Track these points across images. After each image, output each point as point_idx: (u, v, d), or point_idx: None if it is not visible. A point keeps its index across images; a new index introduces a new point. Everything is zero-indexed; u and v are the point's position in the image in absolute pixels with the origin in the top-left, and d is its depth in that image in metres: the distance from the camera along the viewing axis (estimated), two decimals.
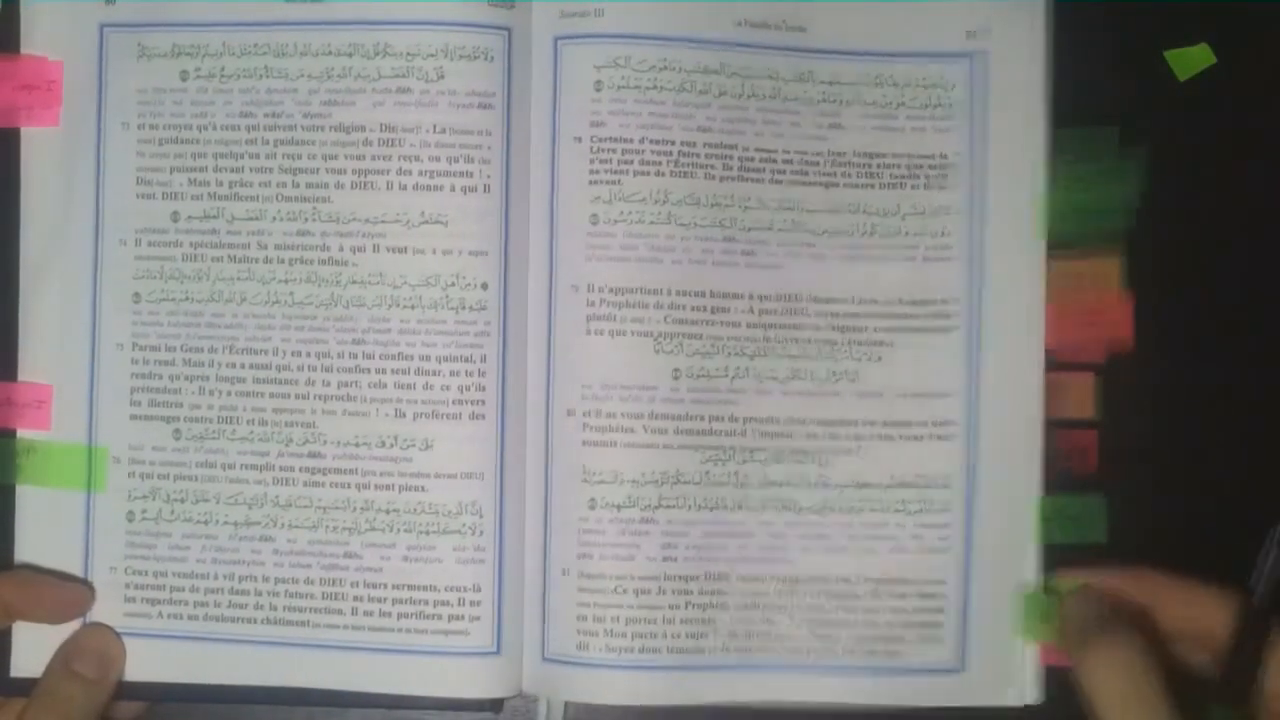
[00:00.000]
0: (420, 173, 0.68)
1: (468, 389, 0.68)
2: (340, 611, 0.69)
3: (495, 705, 0.69)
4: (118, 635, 0.69)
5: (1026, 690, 0.71)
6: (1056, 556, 0.72)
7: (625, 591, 0.69)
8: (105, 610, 0.70)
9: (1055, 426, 0.73)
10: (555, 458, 0.70)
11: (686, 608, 0.70)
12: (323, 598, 0.69)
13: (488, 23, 0.69)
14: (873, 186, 0.71)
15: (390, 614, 0.69)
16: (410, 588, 0.69)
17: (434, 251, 0.68)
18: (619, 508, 0.69)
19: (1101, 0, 0.74)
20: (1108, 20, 0.74)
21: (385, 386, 0.68)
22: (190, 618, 0.70)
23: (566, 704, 0.72)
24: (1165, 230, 0.74)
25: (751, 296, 0.70)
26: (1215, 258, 0.75)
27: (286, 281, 0.69)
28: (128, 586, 0.70)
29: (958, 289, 0.72)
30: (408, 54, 0.68)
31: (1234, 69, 0.75)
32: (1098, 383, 0.73)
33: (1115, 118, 0.73)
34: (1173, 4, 0.75)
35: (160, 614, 0.70)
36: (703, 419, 0.70)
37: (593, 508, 0.69)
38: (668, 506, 0.70)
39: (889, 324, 0.71)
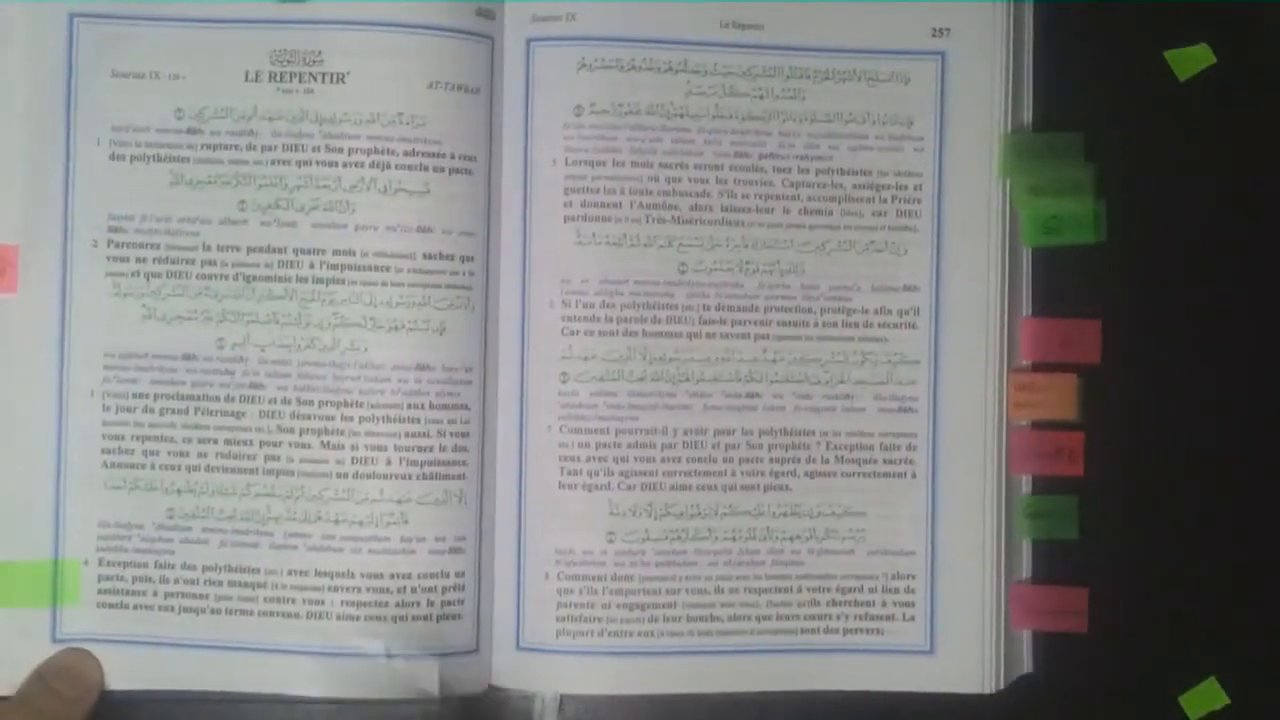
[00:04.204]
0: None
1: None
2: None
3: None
4: (96, 660, 0.72)
5: (999, 676, 0.74)
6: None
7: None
8: None
9: (1040, 428, 0.75)
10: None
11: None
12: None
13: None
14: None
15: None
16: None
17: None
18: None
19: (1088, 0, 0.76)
20: (1104, 21, 0.76)
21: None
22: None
23: (562, 698, 0.74)
24: (1163, 230, 0.76)
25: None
26: (1214, 258, 0.76)
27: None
28: None
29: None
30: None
31: (1234, 69, 0.76)
32: (1080, 384, 0.75)
33: (1100, 121, 0.75)
34: (1172, 4, 0.76)
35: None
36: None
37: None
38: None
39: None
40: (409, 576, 0.71)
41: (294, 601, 0.72)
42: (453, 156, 0.72)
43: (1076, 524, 0.74)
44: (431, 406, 0.71)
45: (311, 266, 0.71)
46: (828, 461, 0.74)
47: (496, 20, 0.73)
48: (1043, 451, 0.75)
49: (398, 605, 0.71)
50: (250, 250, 0.71)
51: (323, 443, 0.71)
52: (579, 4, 0.73)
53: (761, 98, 0.74)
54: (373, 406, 0.71)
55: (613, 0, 0.73)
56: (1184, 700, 0.75)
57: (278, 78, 0.71)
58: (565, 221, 0.73)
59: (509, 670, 0.73)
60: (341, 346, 0.71)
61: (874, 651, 0.74)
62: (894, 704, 0.74)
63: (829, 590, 0.74)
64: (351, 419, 0.71)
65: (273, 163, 0.71)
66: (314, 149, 0.71)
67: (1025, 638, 0.75)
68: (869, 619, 0.74)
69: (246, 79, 0.72)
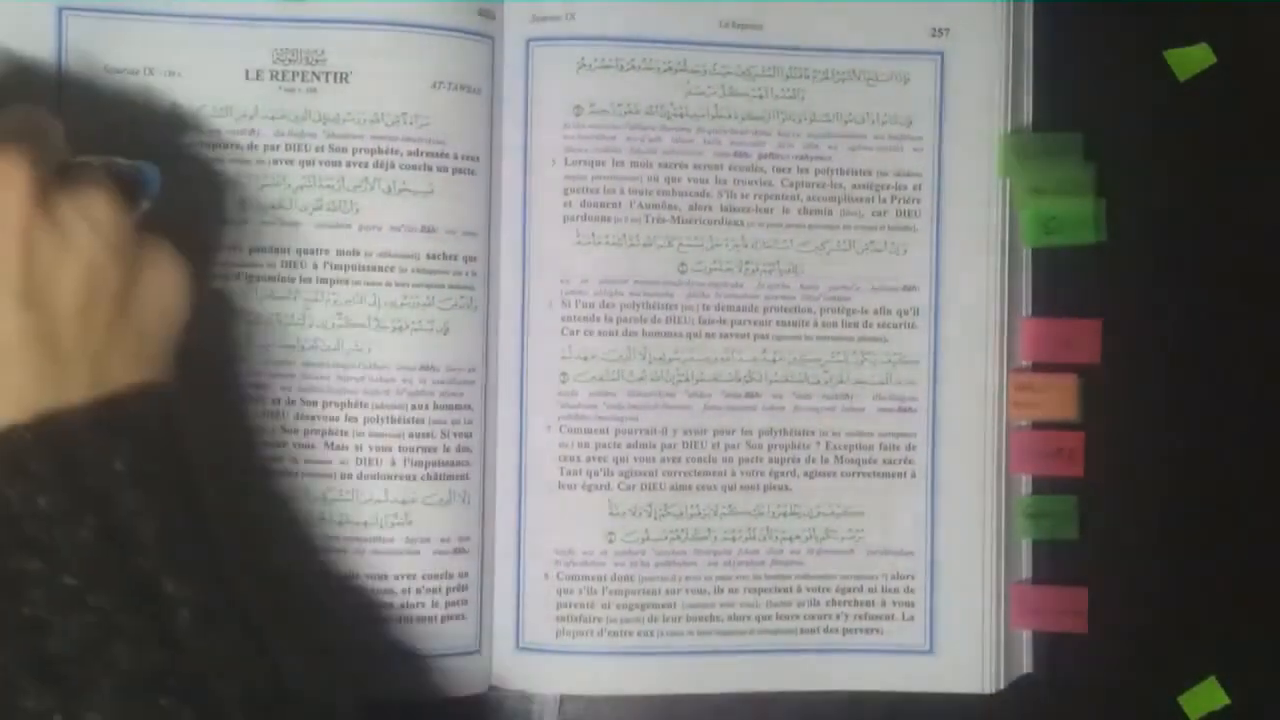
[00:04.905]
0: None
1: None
2: None
3: None
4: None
5: (999, 676, 0.75)
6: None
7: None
8: None
9: (1040, 428, 0.76)
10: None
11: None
12: None
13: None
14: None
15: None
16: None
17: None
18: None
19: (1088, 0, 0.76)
20: (1104, 21, 0.77)
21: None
22: None
23: (562, 698, 0.75)
24: (1163, 230, 0.76)
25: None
26: (1214, 258, 0.77)
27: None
28: None
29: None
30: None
31: (1234, 69, 0.77)
32: (1080, 384, 0.75)
33: (1100, 121, 0.76)
34: (1172, 4, 0.77)
35: None
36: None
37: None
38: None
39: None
40: (413, 577, 0.72)
41: None
42: (456, 156, 0.72)
43: (1076, 524, 0.75)
44: (435, 407, 0.72)
45: (315, 267, 0.71)
46: (827, 461, 0.75)
47: (497, 20, 0.73)
48: (1043, 451, 0.75)
49: (401, 606, 0.72)
50: (252, 250, 0.71)
51: (326, 444, 0.71)
52: (578, 4, 0.74)
53: (761, 97, 0.75)
54: (377, 407, 0.71)
55: (612, 0, 0.74)
56: (1184, 700, 0.76)
57: (280, 76, 0.71)
58: (565, 221, 0.74)
59: (509, 670, 0.74)
60: (345, 347, 0.71)
61: (874, 651, 0.75)
62: (894, 704, 0.75)
63: (829, 590, 0.75)
64: (355, 419, 0.71)
65: (275, 162, 0.71)
66: (317, 149, 0.71)
67: (1025, 638, 0.76)
68: (869, 619, 0.75)
69: (247, 77, 0.71)
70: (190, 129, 0.71)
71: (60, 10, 0.71)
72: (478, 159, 0.73)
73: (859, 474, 0.75)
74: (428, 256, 0.72)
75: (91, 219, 0.55)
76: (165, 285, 0.58)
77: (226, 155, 0.72)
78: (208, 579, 0.55)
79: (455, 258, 0.72)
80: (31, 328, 0.53)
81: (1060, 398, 0.75)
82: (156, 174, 0.61)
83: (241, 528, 0.61)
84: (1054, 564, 0.76)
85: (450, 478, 0.72)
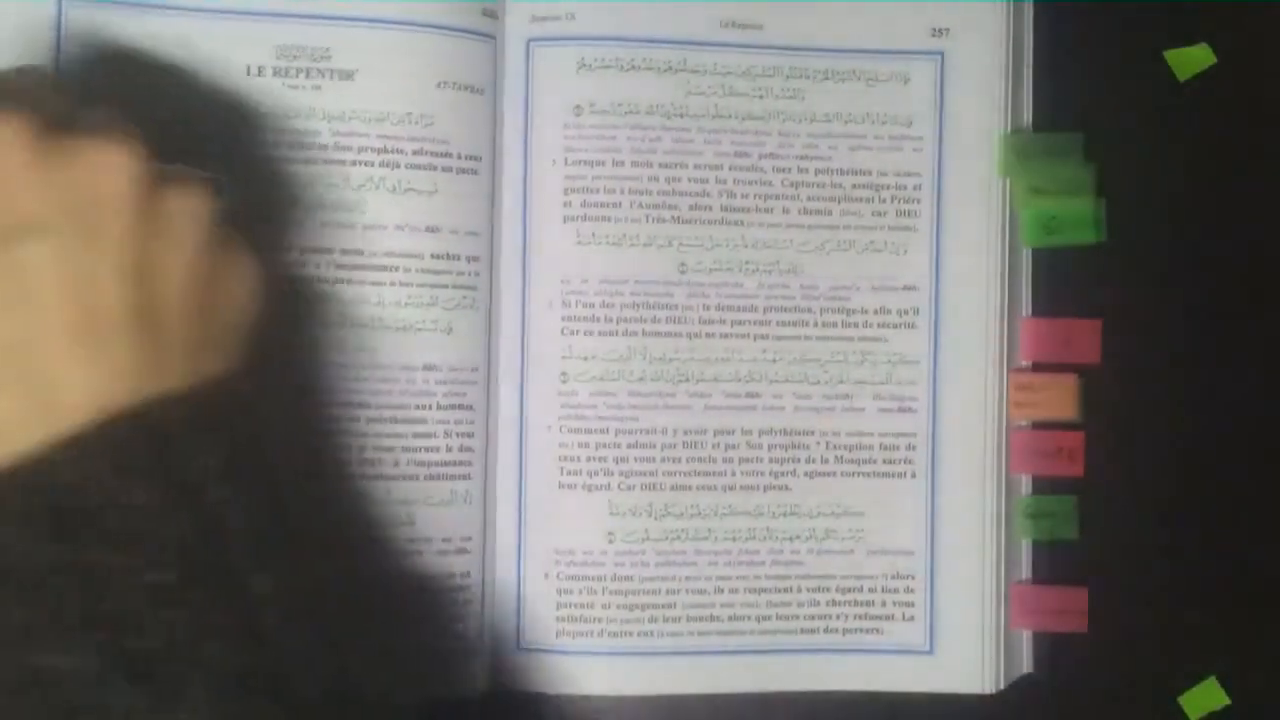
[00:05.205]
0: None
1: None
2: None
3: None
4: None
5: (999, 676, 0.75)
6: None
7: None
8: None
9: (1040, 428, 0.76)
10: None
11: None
12: None
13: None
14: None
15: None
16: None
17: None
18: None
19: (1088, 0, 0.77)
20: (1104, 21, 0.77)
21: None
22: None
23: (563, 698, 0.75)
24: (1163, 230, 0.77)
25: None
26: (1214, 258, 0.77)
27: None
28: None
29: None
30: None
31: (1234, 69, 0.77)
32: (1080, 384, 0.75)
33: (1100, 121, 0.76)
34: (1172, 4, 0.77)
35: None
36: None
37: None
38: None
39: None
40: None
41: None
42: (459, 156, 0.72)
43: (1076, 524, 0.75)
44: (438, 407, 0.72)
45: (318, 266, 0.71)
46: (827, 461, 0.75)
47: (499, 20, 0.74)
48: (1043, 451, 0.76)
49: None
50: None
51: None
52: (579, 4, 0.74)
53: (761, 98, 0.75)
54: (380, 407, 0.71)
55: (612, 0, 0.74)
56: (1184, 700, 0.76)
57: (283, 73, 0.71)
58: (565, 221, 0.74)
59: (509, 670, 0.74)
60: (348, 347, 0.71)
61: (874, 651, 0.75)
62: (894, 704, 0.75)
63: (829, 590, 0.75)
64: (358, 420, 0.71)
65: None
66: (321, 147, 0.71)
67: (1025, 638, 0.76)
68: (869, 619, 0.75)
69: (249, 74, 0.71)
70: (194, 127, 0.71)
71: (60, 1, 0.70)
72: (480, 159, 0.73)
73: (859, 474, 0.75)
74: (432, 256, 0.72)
75: (192, 210, 0.56)
76: (242, 278, 0.59)
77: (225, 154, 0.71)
78: (291, 575, 0.55)
79: (459, 257, 0.72)
80: (140, 307, 0.54)
81: (1060, 398, 0.75)
82: (225, 184, 0.62)
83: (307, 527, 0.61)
84: (1054, 564, 0.76)
85: (452, 478, 0.72)
